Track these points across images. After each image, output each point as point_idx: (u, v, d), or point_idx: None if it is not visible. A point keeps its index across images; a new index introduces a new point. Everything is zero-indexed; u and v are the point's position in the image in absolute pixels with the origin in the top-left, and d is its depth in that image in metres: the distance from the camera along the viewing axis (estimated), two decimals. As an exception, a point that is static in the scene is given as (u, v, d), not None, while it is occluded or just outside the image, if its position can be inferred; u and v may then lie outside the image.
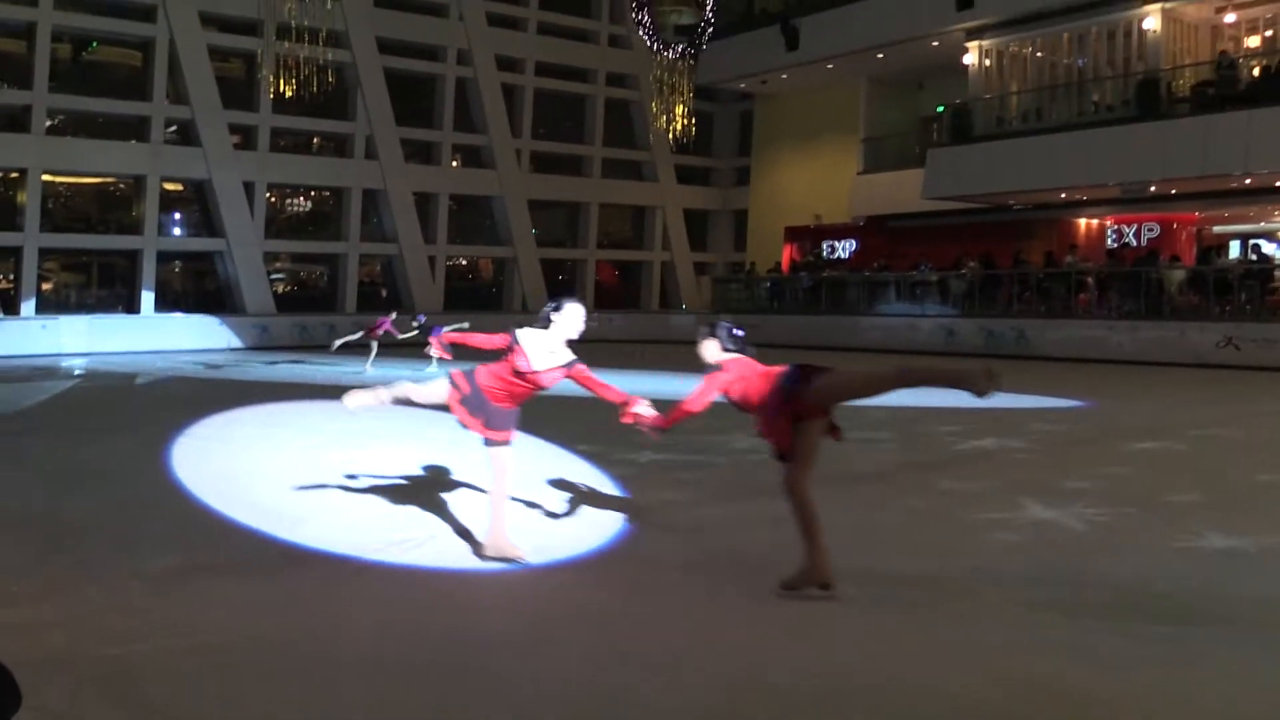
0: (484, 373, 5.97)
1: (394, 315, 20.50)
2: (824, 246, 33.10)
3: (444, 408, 6.06)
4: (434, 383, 6.19)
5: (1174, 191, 24.33)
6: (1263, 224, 27.97)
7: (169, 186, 29.74)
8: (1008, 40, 26.56)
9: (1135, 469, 9.46)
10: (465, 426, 6.02)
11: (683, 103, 25.99)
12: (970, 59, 27.09)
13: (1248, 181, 22.65)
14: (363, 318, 27.77)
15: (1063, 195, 25.99)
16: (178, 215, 30.67)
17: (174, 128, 29.31)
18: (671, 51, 25.44)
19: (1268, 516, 7.45)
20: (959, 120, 26.96)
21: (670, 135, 27.44)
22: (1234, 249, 27.48)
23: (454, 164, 33.78)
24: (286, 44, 21.93)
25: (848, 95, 31.90)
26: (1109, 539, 6.82)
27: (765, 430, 5.45)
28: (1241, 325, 20.41)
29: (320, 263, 33.23)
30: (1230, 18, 24.84)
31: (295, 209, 33.65)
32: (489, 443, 6.05)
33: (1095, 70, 25.54)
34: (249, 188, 29.73)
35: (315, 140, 32.47)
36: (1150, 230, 26.27)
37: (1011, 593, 5.61)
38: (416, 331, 19.38)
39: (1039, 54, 26.59)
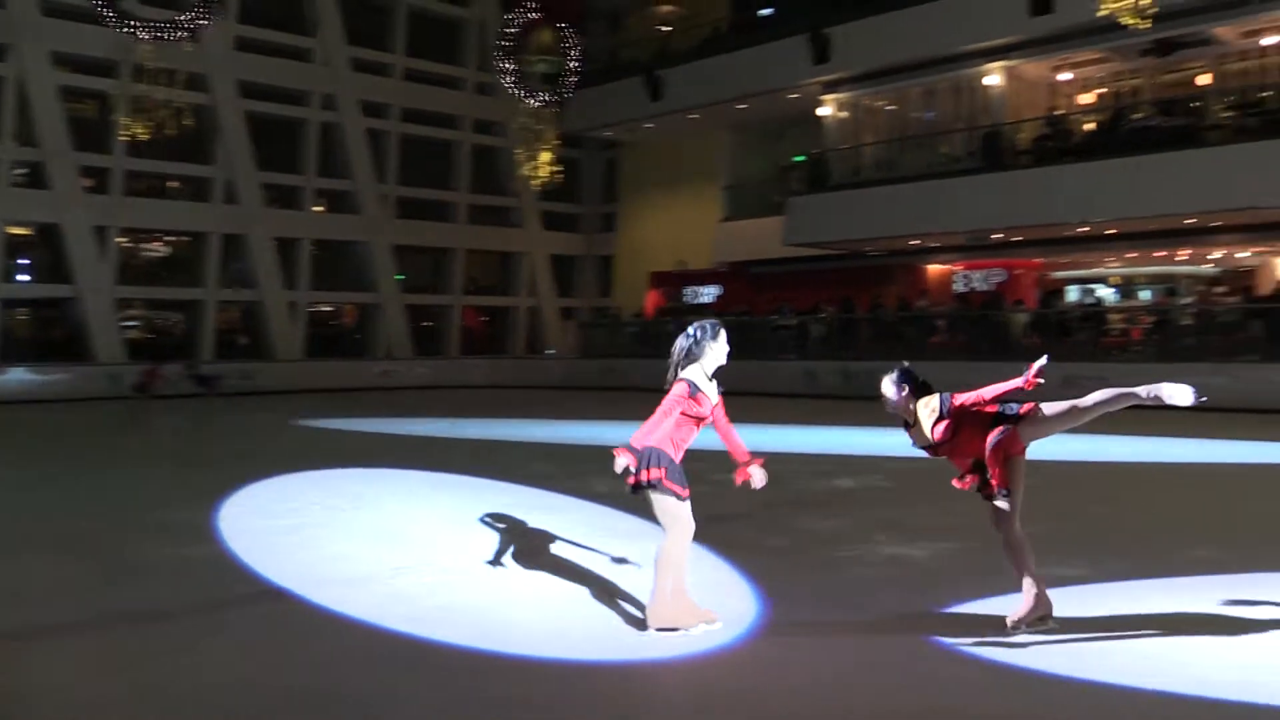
0: (661, 438, 5.46)
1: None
2: (688, 292, 33.70)
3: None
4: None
5: (1018, 239, 25.62)
6: (1098, 270, 29.67)
7: (15, 231, 28.54)
8: (861, 94, 27.73)
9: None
10: (680, 498, 5.47)
11: (549, 150, 26.29)
12: (826, 111, 28.16)
13: (1084, 230, 24.03)
14: (221, 365, 27.23)
15: (915, 242, 27.12)
16: (23, 260, 29.41)
17: (23, 170, 28.18)
18: (536, 99, 25.75)
19: (1104, 545, 7.92)
20: (816, 170, 27.95)
21: (536, 182, 27.65)
22: (1072, 293, 29.06)
23: (318, 209, 33.30)
24: (142, 86, 21.42)
25: (711, 144, 32.75)
26: (961, 572, 7.15)
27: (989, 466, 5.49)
28: (1080, 365, 21.50)
29: (177, 309, 32.21)
30: (1065, 76, 26.46)
31: (150, 254, 32.59)
32: (677, 500, 5.47)
33: (943, 123, 26.85)
34: (101, 232, 28.72)
35: (173, 183, 31.57)
36: (996, 276, 27.56)
37: (872, 622, 5.85)
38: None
39: (891, 107, 27.83)
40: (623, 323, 32.94)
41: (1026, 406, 5.58)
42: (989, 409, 5.56)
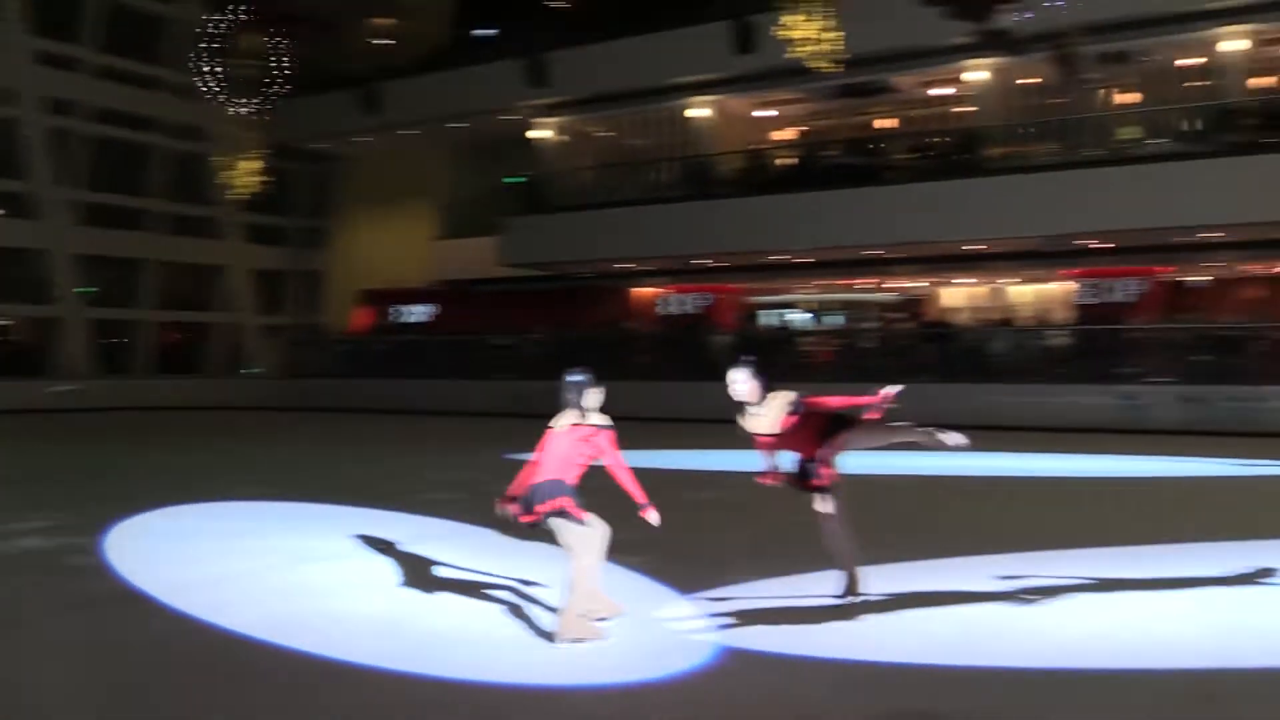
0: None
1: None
2: (402, 311, 33.16)
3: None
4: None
5: (720, 264, 26.94)
6: (794, 295, 31.66)
7: None
8: (577, 119, 28.38)
9: (688, 515, 10.34)
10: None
11: (254, 159, 25.13)
12: (543, 134, 28.59)
13: (782, 257, 25.60)
14: None
15: (626, 266, 27.95)
16: None
17: None
18: (242, 106, 24.60)
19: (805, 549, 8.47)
20: (532, 192, 28.31)
21: (239, 192, 26.34)
22: (771, 317, 30.88)
23: (-12, 212, 30.34)
24: None
25: (428, 162, 32.46)
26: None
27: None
28: (775, 384, 22.76)
29: None
30: (765, 113, 28.13)
31: None
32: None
33: (655, 151, 27.89)
34: None
35: None
36: (701, 299, 28.82)
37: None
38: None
39: (606, 133, 28.62)
40: (332, 341, 31.88)
41: (864, 417, 6.44)
42: (830, 414, 6.35)
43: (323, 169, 36.67)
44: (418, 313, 33.04)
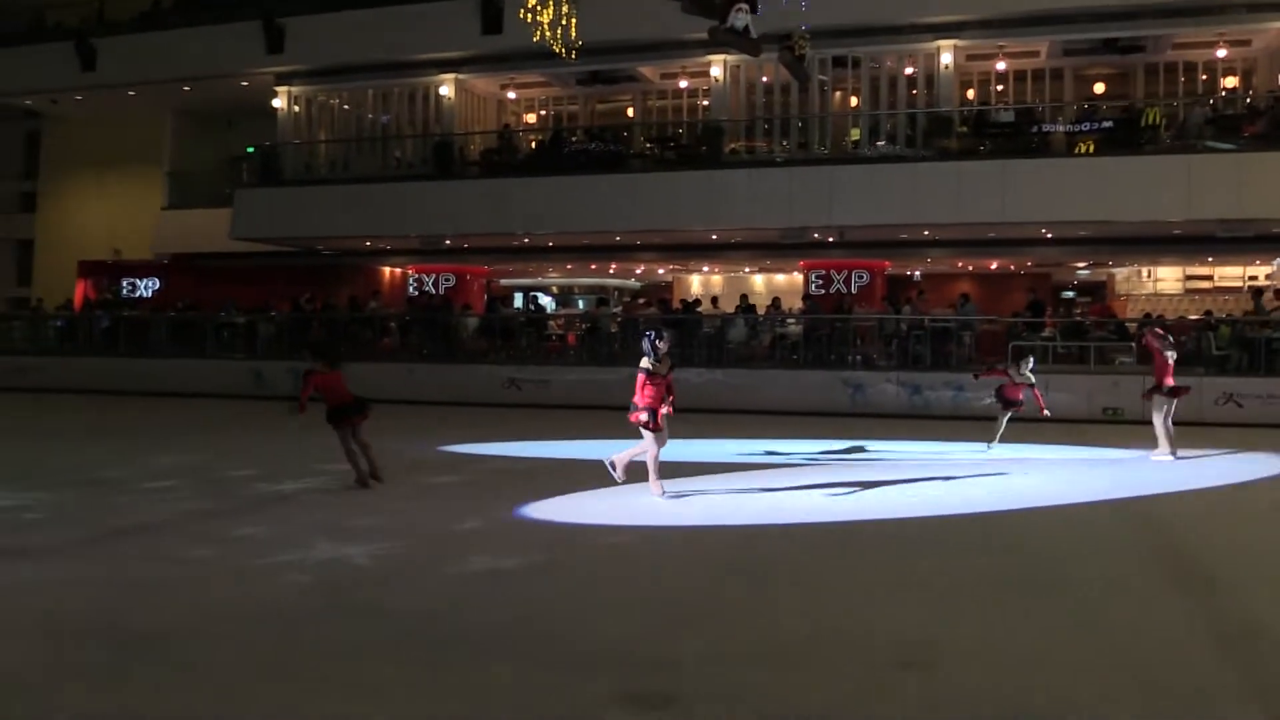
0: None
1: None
2: (124, 284, 30.98)
3: None
4: None
5: (466, 245, 26.63)
6: (540, 279, 31.74)
7: None
8: (317, 89, 27.24)
9: (425, 502, 10.20)
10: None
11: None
12: (280, 103, 27.31)
13: (526, 240, 25.56)
14: None
15: (369, 243, 27.17)
16: None
17: None
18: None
19: (532, 537, 8.51)
20: (269, 163, 26.98)
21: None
22: (518, 300, 30.82)
23: None
24: None
25: (152, 126, 30.41)
26: (393, 571, 7.30)
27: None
28: (524, 368, 22.81)
29: None
30: (513, 95, 27.97)
31: None
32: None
33: (398, 128, 27.20)
34: None
35: None
36: (447, 280, 28.42)
37: (305, 634, 5.77)
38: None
39: (346, 106, 27.65)
40: (45, 316, 29.31)
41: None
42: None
43: (32, 127, 33.71)
44: (143, 286, 30.97)
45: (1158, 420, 13.38)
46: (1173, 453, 13.22)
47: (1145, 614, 6.30)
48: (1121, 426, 17.42)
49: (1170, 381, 13.31)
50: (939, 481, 11.55)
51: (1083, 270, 27.82)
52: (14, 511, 9.38)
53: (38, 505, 9.71)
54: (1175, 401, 13.42)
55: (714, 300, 26.09)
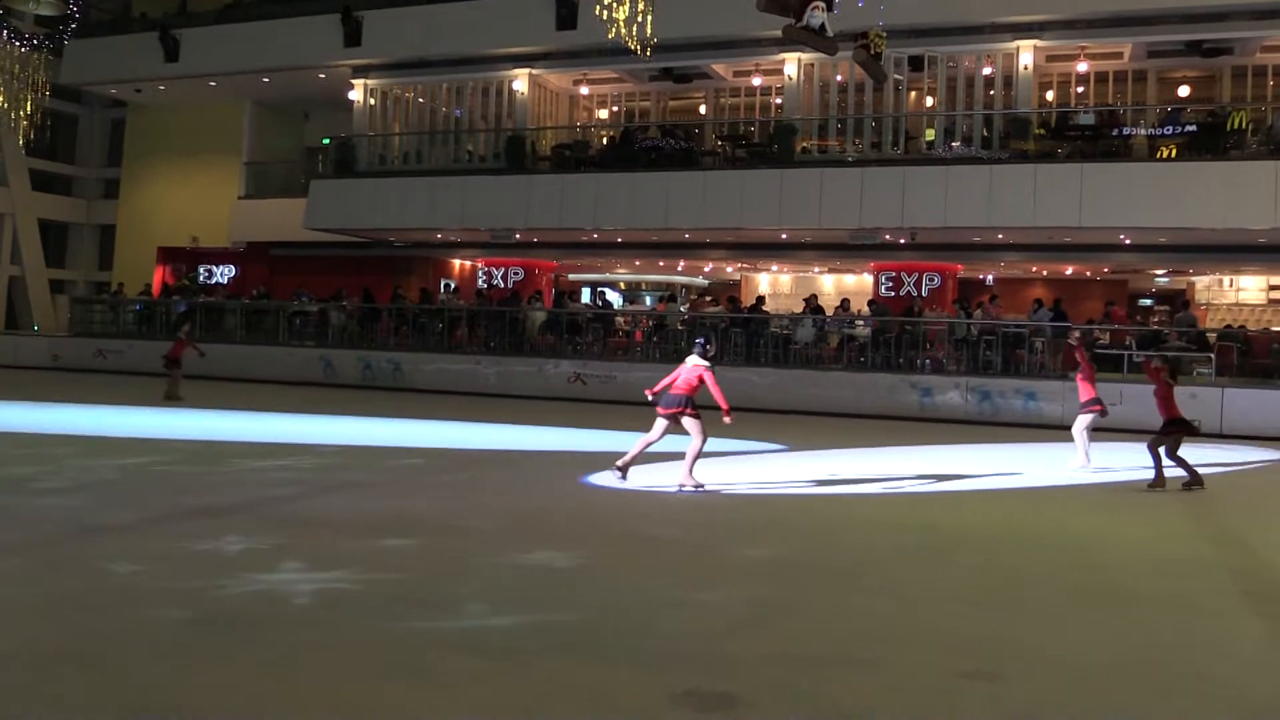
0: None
1: None
2: (201, 270, 31.66)
3: None
4: None
5: (536, 240, 26.75)
6: (608, 274, 31.78)
7: None
8: (392, 82, 27.55)
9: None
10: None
11: (37, 100, 23.29)
12: (356, 95, 27.68)
13: (595, 236, 25.60)
14: None
15: (439, 236, 27.41)
16: None
17: None
18: (25, 42, 22.77)
19: (595, 531, 8.50)
20: (343, 154, 27.34)
21: (22, 136, 24.42)
22: (585, 295, 30.88)
23: None
24: None
25: (231, 116, 31.00)
26: (452, 563, 7.33)
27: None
28: (588, 363, 22.89)
29: None
30: (585, 90, 28.04)
31: None
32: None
33: (471, 122, 27.41)
34: None
35: None
36: (516, 274, 28.57)
37: (363, 625, 5.81)
38: None
39: (421, 99, 27.93)
40: (125, 301, 30.00)
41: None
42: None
43: (117, 116, 34.57)
44: (219, 273, 31.64)
45: (1079, 427, 13.06)
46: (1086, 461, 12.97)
47: (1223, 631, 6.11)
48: (1200, 439, 16.96)
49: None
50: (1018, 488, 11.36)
51: (1161, 278, 27.16)
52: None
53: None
54: (1097, 415, 12.97)
55: (760, 300, 25.56)
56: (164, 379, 19.00)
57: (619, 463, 10.81)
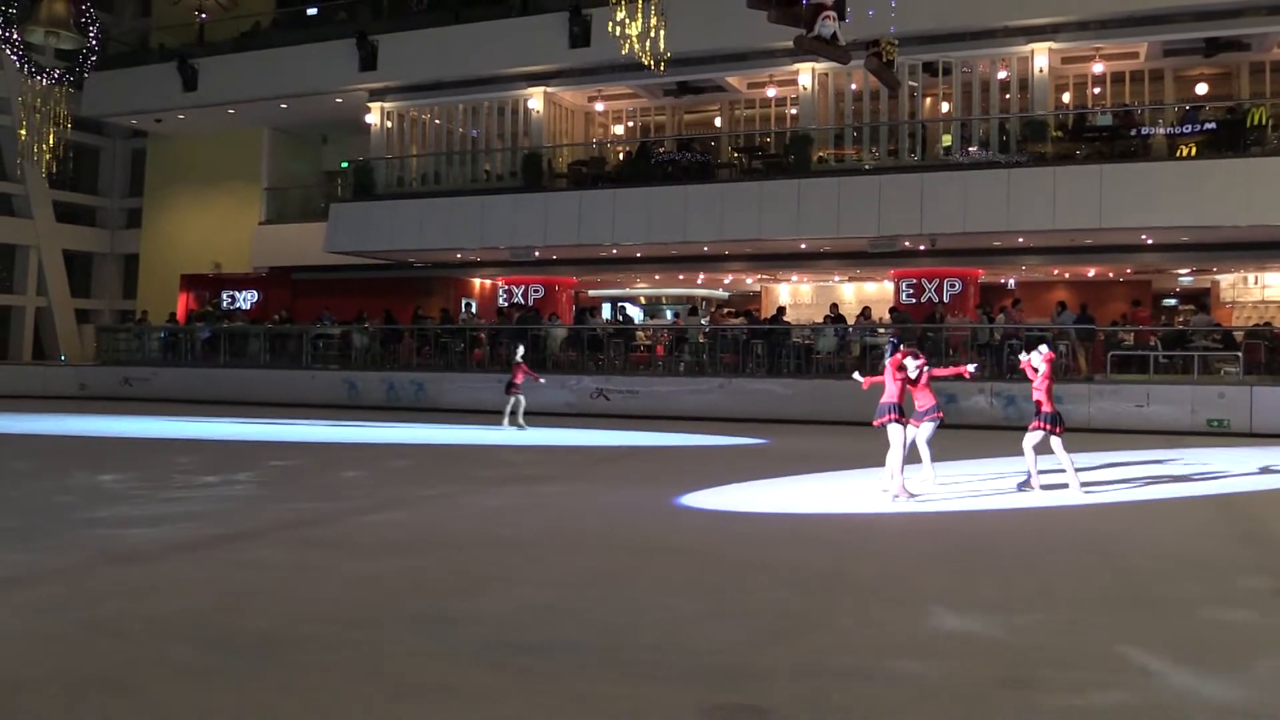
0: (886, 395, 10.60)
1: None
2: (224, 296, 31.90)
3: None
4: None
5: (555, 257, 26.82)
6: (628, 289, 31.81)
7: None
8: (408, 104, 27.75)
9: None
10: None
11: (59, 133, 23.55)
12: (373, 118, 27.88)
13: (614, 251, 25.64)
14: None
15: (459, 255, 27.53)
16: None
17: None
18: (46, 76, 23.04)
19: (633, 542, 8.47)
20: (362, 177, 27.54)
21: (45, 169, 24.69)
22: (606, 310, 30.91)
23: None
24: None
25: (250, 142, 31.27)
26: (486, 574, 7.32)
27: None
28: (610, 378, 22.89)
29: None
30: (600, 106, 28.13)
31: None
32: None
33: (487, 141, 27.55)
34: None
35: None
36: (536, 291, 28.63)
37: (397, 638, 5.81)
38: None
39: (437, 121, 28.10)
40: (150, 328, 30.28)
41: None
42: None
43: (138, 146, 34.93)
44: (241, 298, 31.88)
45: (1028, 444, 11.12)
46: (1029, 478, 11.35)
47: (1266, 628, 6.03)
48: (1228, 438, 16.80)
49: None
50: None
51: (1185, 277, 26.95)
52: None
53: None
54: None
55: (781, 311, 25.35)
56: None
57: (895, 492, 10.34)
